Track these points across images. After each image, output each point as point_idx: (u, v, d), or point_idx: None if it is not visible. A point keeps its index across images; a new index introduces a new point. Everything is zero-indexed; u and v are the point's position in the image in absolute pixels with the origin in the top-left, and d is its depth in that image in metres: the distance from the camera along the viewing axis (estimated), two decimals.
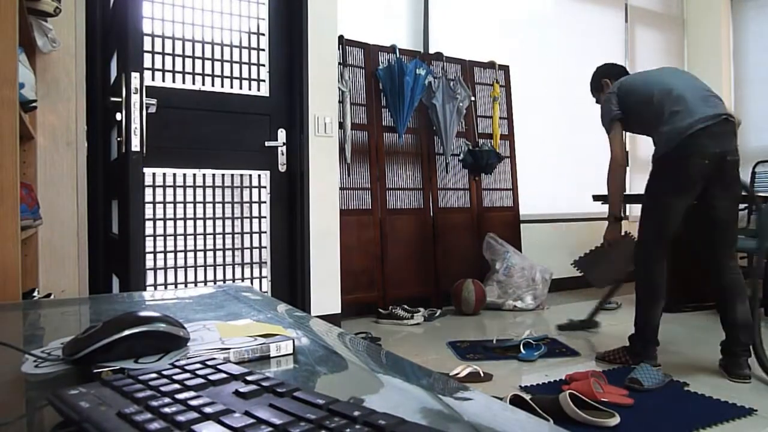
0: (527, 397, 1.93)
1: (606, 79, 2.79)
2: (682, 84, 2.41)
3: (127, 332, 0.55)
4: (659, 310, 2.48)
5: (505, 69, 4.40)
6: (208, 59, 2.77)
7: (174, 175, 2.69)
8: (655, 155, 2.44)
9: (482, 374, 2.32)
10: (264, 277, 2.95)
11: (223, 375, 0.44)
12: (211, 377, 0.44)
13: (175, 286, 2.69)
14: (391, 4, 4.08)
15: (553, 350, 2.76)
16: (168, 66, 2.67)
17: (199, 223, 2.75)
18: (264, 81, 2.93)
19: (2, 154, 1.28)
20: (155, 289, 2.60)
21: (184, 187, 2.71)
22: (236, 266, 2.87)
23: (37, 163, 2.32)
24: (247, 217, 2.91)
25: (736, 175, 2.36)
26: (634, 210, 5.28)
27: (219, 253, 2.82)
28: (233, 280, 2.84)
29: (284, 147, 2.97)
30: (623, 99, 2.54)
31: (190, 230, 2.73)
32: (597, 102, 2.84)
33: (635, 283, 2.55)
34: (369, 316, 3.62)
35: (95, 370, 0.51)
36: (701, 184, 2.33)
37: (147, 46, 2.52)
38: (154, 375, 0.44)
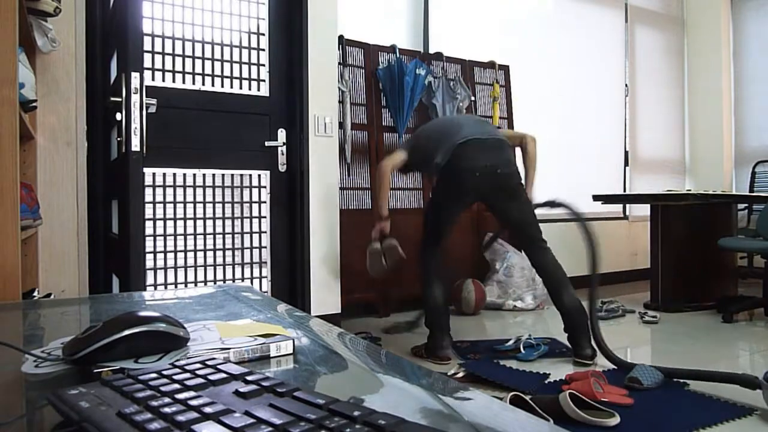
0: (527, 397, 1.93)
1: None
2: (462, 118, 2.86)
3: (127, 332, 0.55)
4: (437, 299, 2.68)
5: (505, 69, 4.40)
6: (208, 59, 2.77)
7: (174, 175, 2.68)
8: (437, 168, 2.71)
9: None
10: (264, 277, 2.95)
11: (223, 375, 0.44)
12: (211, 377, 0.44)
13: (175, 286, 2.69)
14: (391, 4, 4.08)
15: (553, 350, 2.76)
16: (168, 66, 2.66)
17: (199, 223, 2.75)
18: (264, 81, 2.93)
19: (2, 154, 1.28)
20: (155, 289, 2.60)
21: (184, 187, 2.71)
22: (236, 266, 2.87)
23: (37, 163, 2.32)
24: (247, 217, 2.91)
25: (512, 183, 2.62)
26: (634, 210, 5.29)
27: (219, 253, 2.82)
28: (233, 280, 2.84)
29: (284, 147, 2.97)
30: (418, 138, 2.84)
31: (190, 230, 2.73)
32: None
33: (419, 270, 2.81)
34: (369, 316, 3.62)
35: (95, 370, 0.51)
36: (476, 194, 2.66)
37: (147, 46, 2.52)
38: (154, 375, 0.44)
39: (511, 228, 2.77)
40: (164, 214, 2.65)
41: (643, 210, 4.27)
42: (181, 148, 2.70)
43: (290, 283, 3.02)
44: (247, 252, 2.90)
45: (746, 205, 4.94)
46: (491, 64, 4.33)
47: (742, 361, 2.84)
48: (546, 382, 2.32)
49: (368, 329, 3.22)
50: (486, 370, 2.41)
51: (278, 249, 2.97)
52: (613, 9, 5.29)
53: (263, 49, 2.93)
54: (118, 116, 2.10)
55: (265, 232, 2.94)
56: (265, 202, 2.94)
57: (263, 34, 2.93)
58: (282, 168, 2.97)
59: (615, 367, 2.48)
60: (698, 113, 5.79)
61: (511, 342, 2.77)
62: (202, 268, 2.77)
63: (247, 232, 2.90)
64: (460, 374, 2.36)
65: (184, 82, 2.71)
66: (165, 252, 2.66)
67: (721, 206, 4.06)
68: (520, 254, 4.00)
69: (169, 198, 2.67)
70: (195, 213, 2.74)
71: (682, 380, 2.29)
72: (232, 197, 2.85)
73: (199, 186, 2.75)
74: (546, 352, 2.70)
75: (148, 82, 2.32)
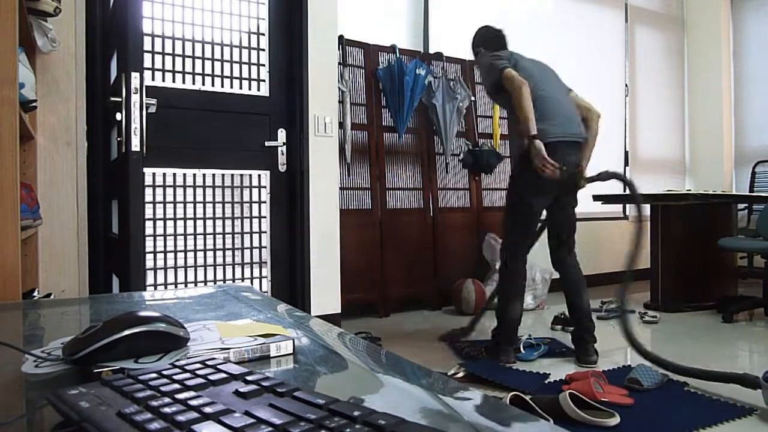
0: (527, 397, 1.93)
1: (481, 49, 2.97)
2: (552, 91, 2.63)
3: (127, 332, 0.55)
4: (516, 308, 2.63)
5: None
6: (208, 59, 2.77)
7: (174, 175, 2.68)
8: (520, 150, 2.53)
9: None
10: (264, 277, 2.95)
11: (223, 375, 0.44)
12: (211, 377, 0.44)
13: (175, 286, 2.69)
14: (391, 4, 4.08)
15: (553, 350, 2.76)
16: (168, 66, 2.66)
17: (199, 223, 2.75)
18: (264, 81, 2.93)
19: (2, 154, 1.28)
20: (155, 289, 2.60)
21: (184, 187, 2.71)
22: (236, 266, 2.87)
23: (37, 163, 2.31)
24: (247, 217, 2.91)
25: (578, 182, 2.59)
26: (634, 210, 5.28)
27: (219, 253, 2.82)
28: (233, 280, 2.84)
29: (284, 147, 2.96)
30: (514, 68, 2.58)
31: (190, 230, 2.73)
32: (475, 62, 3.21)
33: (499, 279, 2.75)
34: (369, 316, 3.62)
35: (95, 370, 0.51)
36: (557, 190, 2.55)
37: (147, 46, 2.52)
38: (154, 375, 0.44)
39: (555, 225, 2.67)
40: (164, 214, 2.65)
41: (643, 210, 4.27)
42: (181, 148, 2.70)
43: (290, 283, 3.02)
44: (247, 252, 2.90)
45: (746, 205, 4.94)
46: None
47: (742, 361, 2.85)
48: (546, 382, 2.32)
49: (368, 329, 3.23)
50: (486, 370, 2.41)
51: (278, 249, 2.97)
52: (613, 9, 5.29)
53: (263, 49, 2.93)
54: (118, 116, 2.10)
55: (265, 232, 2.94)
56: (265, 202, 2.94)
57: (263, 34, 2.93)
58: (282, 168, 2.97)
59: (614, 367, 2.48)
60: (698, 113, 5.79)
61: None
62: (202, 268, 2.77)
63: (247, 232, 2.90)
64: (460, 374, 2.36)
65: (184, 82, 2.71)
66: (165, 252, 2.66)
67: (721, 206, 4.06)
68: None
69: (169, 198, 2.67)
70: (195, 213, 2.74)
71: (681, 380, 2.29)
72: (232, 197, 2.85)
73: (199, 186, 2.75)
74: (546, 352, 2.70)
75: (148, 82, 2.32)
